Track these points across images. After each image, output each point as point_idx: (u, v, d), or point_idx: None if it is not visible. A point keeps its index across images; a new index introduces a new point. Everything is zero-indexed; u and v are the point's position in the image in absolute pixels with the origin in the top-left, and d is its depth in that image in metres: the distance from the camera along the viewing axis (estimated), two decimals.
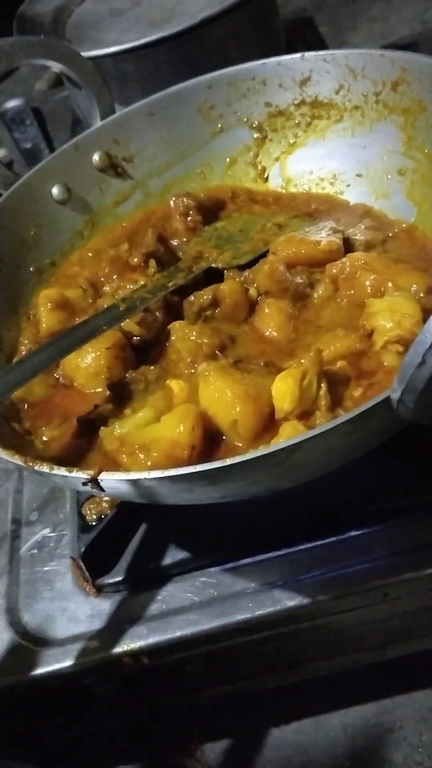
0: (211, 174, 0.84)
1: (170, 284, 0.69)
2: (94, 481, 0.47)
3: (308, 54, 0.77)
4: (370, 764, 0.70)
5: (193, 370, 0.62)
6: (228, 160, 0.83)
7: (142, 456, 0.53)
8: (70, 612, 0.65)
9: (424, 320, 0.58)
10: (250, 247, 0.73)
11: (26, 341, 0.69)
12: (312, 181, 0.80)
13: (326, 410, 0.53)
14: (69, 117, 1.25)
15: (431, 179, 0.70)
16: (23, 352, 0.68)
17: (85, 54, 0.80)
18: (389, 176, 0.74)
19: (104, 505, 0.67)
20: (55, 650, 0.63)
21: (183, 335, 0.64)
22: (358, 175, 0.77)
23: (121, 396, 0.61)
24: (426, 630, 0.69)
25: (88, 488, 0.48)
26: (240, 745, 0.74)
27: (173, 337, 0.65)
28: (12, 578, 0.69)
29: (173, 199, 0.79)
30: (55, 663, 0.62)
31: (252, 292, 0.68)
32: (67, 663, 0.62)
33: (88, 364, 0.63)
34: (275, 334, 0.65)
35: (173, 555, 0.64)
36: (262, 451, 0.43)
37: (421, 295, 0.61)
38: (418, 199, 0.71)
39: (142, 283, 0.69)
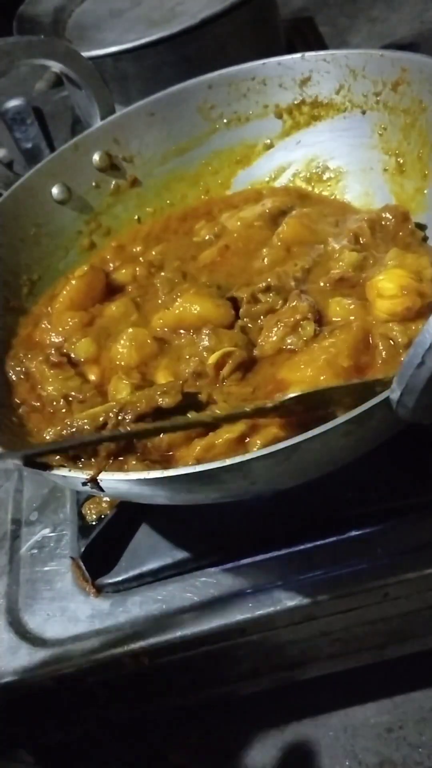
0: (212, 173, 0.84)
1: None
2: (93, 481, 0.47)
3: (308, 54, 0.77)
4: (370, 764, 0.70)
5: None
6: (228, 159, 0.83)
7: None
8: (70, 612, 0.65)
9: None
10: None
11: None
12: (310, 180, 0.81)
13: None
14: (69, 117, 1.24)
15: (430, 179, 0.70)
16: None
17: (85, 54, 0.80)
18: (388, 176, 0.74)
19: (104, 505, 0.67)
20: (55, 650, 0.63)
21: None
22: (357, 174, 0.77)
23: None
24: (426, 630, 0.69)
25: (87, 488, 0.48)
26: (240, 745, 0.74)
27: None
28: (12, 578, 0.69)
29: None
30: (55, 663, 0.62)
31: None
32: (67, 663, 0.62)
33: None
34: None
35: (173, 555, 0.64)
36: (262, 451, 0.43)
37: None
38: (418, 198, 0.71)
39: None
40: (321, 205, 0.78)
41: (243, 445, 0.53)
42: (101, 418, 0.55)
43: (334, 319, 0.61)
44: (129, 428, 0.54)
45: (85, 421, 0.55)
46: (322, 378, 0.56)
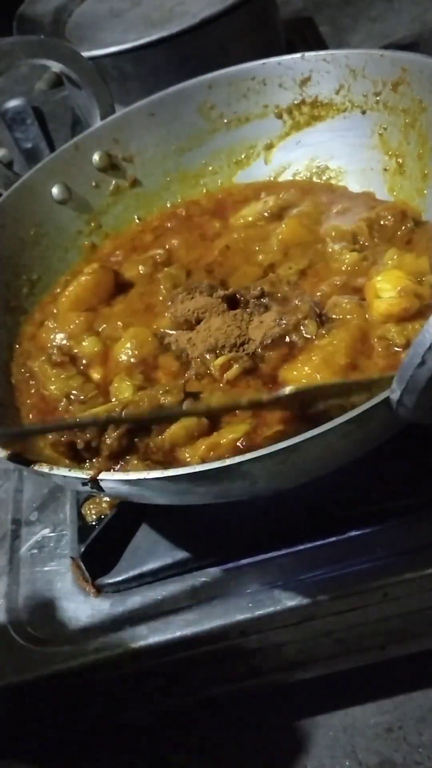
0: (212, 173, 0.84)
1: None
2: (93, 481, 0.47)
3: (308, 54, 0.77)
4: (370, 764, 0.70)
5: None
6: (228, 159, 0.84)
7: None
8: (70, 612, 0.65)
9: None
10: None
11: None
12: (310, 180, 0.81)
13: None
14: (69, 117, 1.24)
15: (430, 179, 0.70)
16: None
17: (85, 54, 0.80)
18: (388, 176, 0.74)
19: (104, 505, 0.67)
20: (55, 650, 0.63)
21: None
22: (357, 174, 0.77)
23: None
24: (426, 630, 0.69)
25: (87, 488, 0.48)
26: (240, 744, 0.74)
27: None
28: (12, 578, 0.69)
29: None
30: (55, 663, 0.62)
31: None
32: (68, 663, 0.62)
33: None
34: None
35: (173, 555, 0.64)
36: (262, 451, 0.43)
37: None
38: (418, 198, 0.71)
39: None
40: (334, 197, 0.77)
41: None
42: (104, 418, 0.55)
43: (332, 317, 0.61)
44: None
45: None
46: (319, 376, 0.56)
